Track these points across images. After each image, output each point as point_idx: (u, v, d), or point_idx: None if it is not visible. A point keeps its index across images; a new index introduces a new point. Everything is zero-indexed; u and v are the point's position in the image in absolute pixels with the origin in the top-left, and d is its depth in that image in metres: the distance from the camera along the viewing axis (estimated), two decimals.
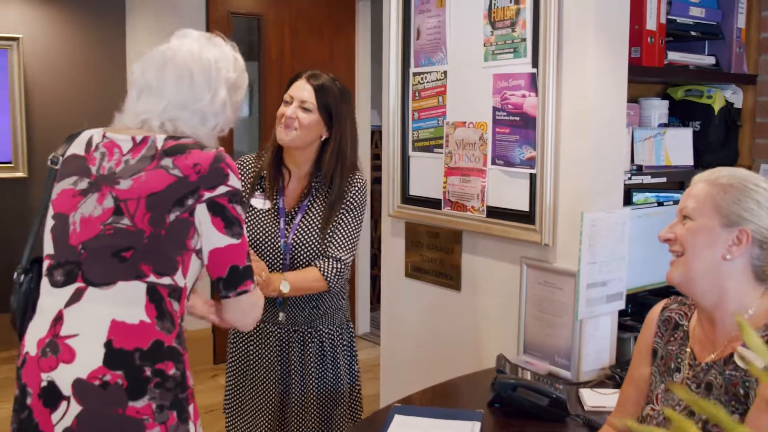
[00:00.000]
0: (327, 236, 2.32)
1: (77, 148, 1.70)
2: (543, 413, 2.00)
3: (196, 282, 1.70)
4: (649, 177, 2.59)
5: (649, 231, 2.42)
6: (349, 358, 2.48)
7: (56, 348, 1.55)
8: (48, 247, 1.65)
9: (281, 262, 2.32)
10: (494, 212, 2.55)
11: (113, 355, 1.53)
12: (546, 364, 2.38)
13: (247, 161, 2.45)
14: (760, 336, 1.44)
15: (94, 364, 1.53)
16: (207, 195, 1.59)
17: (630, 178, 2.51)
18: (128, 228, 1.56)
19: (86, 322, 1.56)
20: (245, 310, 1.72)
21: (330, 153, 2.34)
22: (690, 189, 1.53)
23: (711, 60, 2.83)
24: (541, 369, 2.36)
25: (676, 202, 1.57)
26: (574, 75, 2.29)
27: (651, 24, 2.51)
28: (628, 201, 2.66)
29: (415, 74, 2.85)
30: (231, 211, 1.62)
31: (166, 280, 1.58)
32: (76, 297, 1.57)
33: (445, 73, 2.71)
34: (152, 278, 1.57)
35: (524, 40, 2.39)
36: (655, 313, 1.70)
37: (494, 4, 2.49)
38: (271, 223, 2.34)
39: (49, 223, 1.66)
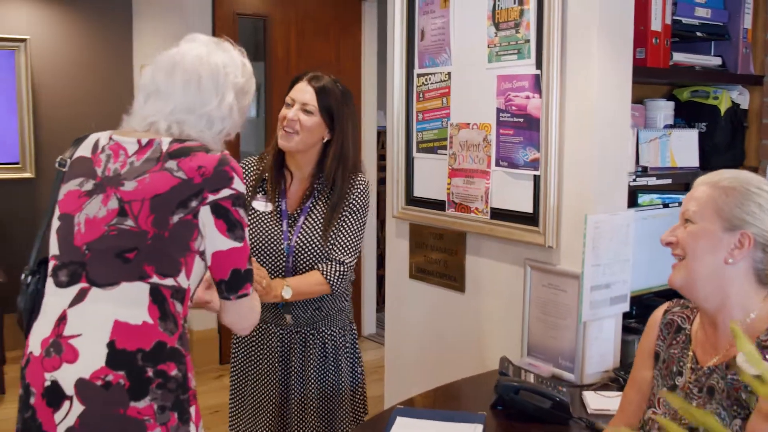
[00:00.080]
0: (329, 239, 2.32)
1: (84, 150, 1.71)
2: (546, 416, 1.99)
3: (199, 284, 1.70)
4: (654, 178, 2.57)
5: (654, 233, 2.40)
6: (351, 359, 2.48)
7: (60, 348, 1.56)
8: (53, 248, 1.66)
9: (284, 264, 2.32)
10: (498, 214, 2.54)
11: (116, 356, 1.54)
12: (550, 367, 2.38)
13: (249, 163, 2.45)
14: (762, 340, 1.43)
15: (96, 364, 1.53)
16: (211, 198, 1.59)
17: (635, 180, 2.50)
18: (132, 229, 1.57)
19: (89, 322, 1.56)
20: (244, 314, 1.74)
21: (332, 155, 2.34)
22: (692, 192, 1.52)
23: (717, 61, 2.81)
24: (545, 371, 2.35)
25: (681, 204, 1.56)
26: (578, 76, 2.28)
27: (656, 25, 2.50)
28: (633, 203, 2.65)
29: (419, 75, 2.84)
30: (234, 214, 1.62)
31: (169, 282, 1.59)
32: (79, 297, 1.58)
33: (449, 74, 2.70)
34: (155, 279, 1.57)
35: (528, 41, 2.38)
36: (657, 316, 1.69)
37: (498, 5, 2.48)
38: (273, 226, 2.34)
39: (55, 223, 1.67)
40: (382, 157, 5.71)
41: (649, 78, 2.61)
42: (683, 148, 2.69)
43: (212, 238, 1.61)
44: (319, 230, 2.32)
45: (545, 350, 2.41)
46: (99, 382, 1.53)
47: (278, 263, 2.32)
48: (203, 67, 1.69)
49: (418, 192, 2.90)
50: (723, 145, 2.84)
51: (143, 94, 1.72)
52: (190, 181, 1.59)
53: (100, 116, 5.13)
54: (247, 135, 5.39)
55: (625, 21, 2.29)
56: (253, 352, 2.45)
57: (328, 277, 2.28)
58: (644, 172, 2.57)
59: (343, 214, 2.34)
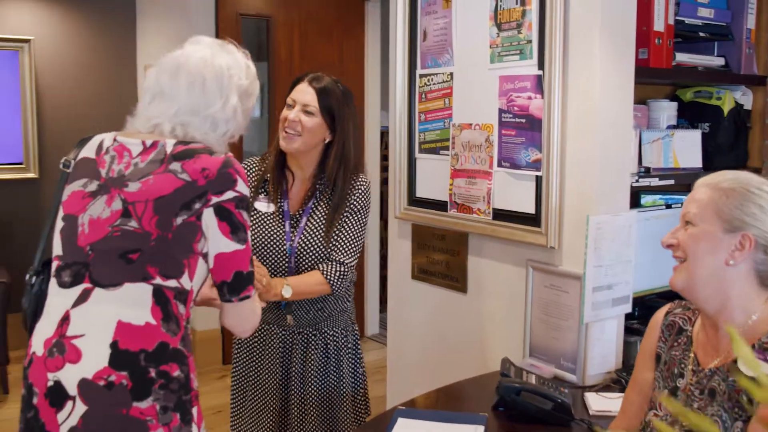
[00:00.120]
0: (331, 240, 2.31)
1: (88, 151, 1.72)
2: (547, 417, 1.99)
3: (202, 285, 1.70)
4: (657, 179, 2.57)
5: (657, 233, 2.38)
6: (353, 360, 2.48)
7: (63, 348, 1.56)
8: (57, 248, 1.66)
9: (286, 265, 2.32)
10: (500, 214, 2.54)
11: (119, 356, 1.54)
12: (552, 368, 2.37)
13: (251, 164, 2.45)
14: (764, 342, 1.42)
15: (99, 365, 1.54)
16: (214, 200, 1.60)
17: (637, 181, 2.49)
18: (135, 230, 1.58)
19: (93, 322, 1.57)
20: (245, 316, 1.74)
21: (333, 156, 2.34)
22: (692, 194, 1.52)
23: (720, 61, 2.81)
24: (547, 372, 2.34)
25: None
26: (580, 77, 2.27)
27: (659, 25, 2.49)
28: (636, 203, 2.64)
29: (421, 76, 2.84)
30: (237, 216, 1.63)
31: (172, 283, 1.59)
32: (83, 297, 1.58)
33: (451, 74, 2.70)
34: (158, 280, 1.58)
35: (530, 41, 2.37)
36: (658, 317, 1.68)
37: (500, 6, 2.48)
38: (276, 227, 2.34)
39: (59, 224, 1.67)
40: (385, 158, 5.71)
41: (652, 78, 2.61)
42: (686, 148, 2.69)
43: (215, 240, 1.62)
44: (321, 231, 2.32)
45: (547, 351, 2.41)
46: (102, 383, 1.53)
47: (280, 264, 2.32)
48: (207, 69, 1.69)
49: (421, 193, 2.90)
50: (726, 146, 2.83)
51: (148, 95, 1.73)
52: (194, 183, 1.59)
53: (103, 116, 5.14)
54: (250, 135, 5.39)
55: (627, 21, 2.29)
56: (254, 353, 2.45)
57: (329, 277, 2.28)
58: (647, 172, 2.57)
59: (344, 214, 2.34)
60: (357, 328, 2.53)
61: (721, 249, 1.45)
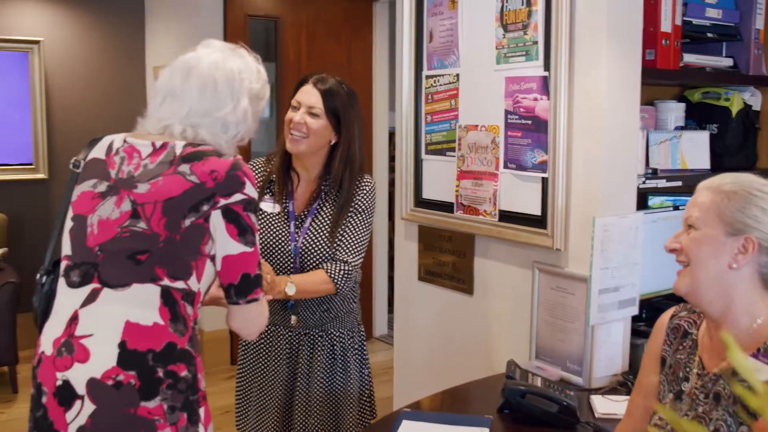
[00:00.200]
0: (335, 239, 2.32)
1: (98, 152, 1.72)
2: (553, 420, 1.98)
3: (210, 287, 1.71)
4: (665, 181, 2.55)
5: (664, 235, 2.36)
6: (359, 361, 2.48)
7: (71, 348, 1.57)
8: (66, 248, 1.67)
9: (291, 265, 2.32)
10: (506, 216, 2.53)
11: (127, 356, 1.55)
12: (558, 370, 2.36)
13: (257, 165, 2.46)
14: None
15: (108, 364, 1.54)
16: (222, 202, 1.60)
17: (644, 182, 2.48)
18: (144, 231, 1.58)
19: (101, 322, 1.58)
20: (252, 319, 1.74)
21: (339, 157, 2.34)
22: (694, 197, 1.51)
23: (728, 62, 2.79)
24: (553, 375, 2.34)
25: None
26: (586, 78, 2.26)
27: (666, 26, 2.48)
28: (643, 205, 2.63)
29: (427, 77, 2.84)
30: (245, 219, 1.63)
31: (180, 284, 1.60)
32: (91, 298, 1.59)
33: (457, 75, 2.70)
34: (166, 282, 1.58)
35: (536, 42, 2.37)
36: (664, 320, 1.67)
37: (506, 7, 2.47)
38: (281, 227, 2.34)
39: (68, 224, 1.68)
40: (393, 159, 5.70)
41: (659, 79, 2.60)
42: (694, 150, 2.67)
43: (223, 243, 1.62)
44: (326, 231, 2.32)
45: (553, 353, 2.40)
46: (110, 382, 1.54)
47: (285, 264, 2.32)
48: (219, 72, 1.71)
49: (427, 194, 2.89)
50: (735, 147, 2.82)
51: (159, 96, 1.74)
52: (203, 185, 1.60)
53: (112, 117, 5.17)
54: (258, 136, 5.40)
55: (633, 22, 2.28)
56: (261, 354, 2.46)
57: (333, 276, 2.28)
58: (654, 174, 2.55)
59: (349, 215, 2.34)
60: (363, 330, 2.53)
61: (723, 252, 1.44)
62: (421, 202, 2.92)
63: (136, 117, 1.77)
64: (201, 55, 1.74)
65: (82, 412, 1.54)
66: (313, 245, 2.31)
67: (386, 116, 5.56)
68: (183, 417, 1.58)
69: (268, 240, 2.33)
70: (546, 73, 2.34)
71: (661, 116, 2.72)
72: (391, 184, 5.41)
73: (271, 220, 2.36)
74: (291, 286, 2.21)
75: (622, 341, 2.37)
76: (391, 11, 5.44)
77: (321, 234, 2.32)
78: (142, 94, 5.36)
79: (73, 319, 1.59)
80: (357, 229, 2.34)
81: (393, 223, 5.61)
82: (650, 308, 2.52)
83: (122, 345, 1.55)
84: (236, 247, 1.63)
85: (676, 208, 2.62)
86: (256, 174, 2.43)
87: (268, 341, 2.44)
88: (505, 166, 2.52)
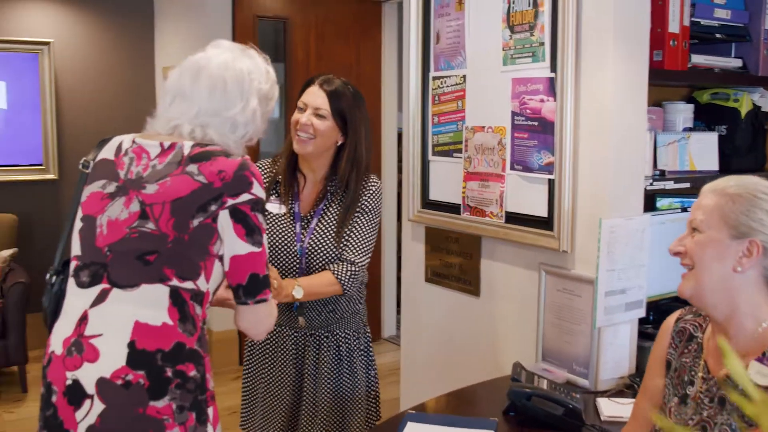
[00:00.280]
0: (342, 240, 2.32)
1: (108, 152, 1.73)
2: (558, 423, 1.97)
3: (218, 287, 1.71)
4: (672, 182, 2.54)
5: (672, 237, 2.34)
6: (365, 362, 2.48)
7: (81, 347, 1.58)
8: (75, 249, 1.68)
9: (297, 266, 2.32)
10: (513, 218, 2.53)
11: (136, 356, 1.56)
12: (564, 372, 2.35)
13: (263, 166, 2.46)
14: None
15: (117, 364, 1.55)
16: (230, 202, 1.61)
17: (651, 184, 2.47)
18: (153, 232, 1.59)
19: (110, 322, 1.58)
20: (260, 319, 1.74)
21: (346, 158, 2.34)
22: (699, 200, 1.50)
23: (738, 62, 2.77)
24: (559, 377, 2.33)
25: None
26: (592, 79, 2.25)
27: (674, 27, 2.46)
28: (651, 206, 2.62)
29: (434, 78, 2.83)
30: (253, 219, 1.64)
31: (188, 285, 1.60)
32: (101, 298, 1.60)
33: (464, 77, 2.69)
34: (175, 282, 1.59)
35: (543, 44, 2.36)
36: (669, 323, 1.66)
37: (513, 8, 2.46)
38: (287, 228, 2.34)
39: (78, 225, 1.69)
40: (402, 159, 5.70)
41: (667, 80, 2.58)
42: (702, 151, 2.66)
43: (230, 243, 1.63)
44: (332, 232, 2.32)
45: (560, 355, 2.39)
46: (119, 382, 1.55)
47: (291, 265, 2.33)
48: (229, 73, 1.71)
49: (434, 195, 2.89)
50: (744, 148, 2.80)
51: (168, 97, 1.74)
52: (210, 185, 1.60)
53: (122, 118, 5.19)
54: (267, 136, 5.41)
55: (640, 24, 2.27)
56: (267, 354, 2.46)
57: (339, 277, 2.28)
58: (662, 175, 2.54)
59: (355, 215, 2.34)
60: (369, 331, 2.53)
61: (728, 256, 1.43)
62: (428, 204, 2.91)
63: (145, 117, 1.78)
64: (211, 55, 1.74)
65: (91, 411, 1.55)
66: (320, 246, 2.31)
67: (395, 117, 5.56)
68: (192, 417, 1.59)
69: (274, 241, 2.34)
70: (552, 75, 2.33)
71: (669, 117, 2.70)
72: (400, 184, 5.39)
73: (277, 221, 2.36)
74: (299, 289, 2.21)
75: (628, 344, 2.36)
76: (399, 12, 5.43)
77: (327, 234, 2.32)
78: (151, 94, 5.38)
79: (83, 319, 1.59)
80: (363, 230, 2.34)
81: (401, 223, 5.64)
82: (658, 310, 2.51)
83: (131, 345, 1.56)
84: (244, 247, 1.63)
85: (684, 209, 2.60)
86: (262, 175, 2.44)
87: (274, 342, 2.44)
88: (512, 168, 2.51)
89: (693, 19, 2.56)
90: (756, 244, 1.41)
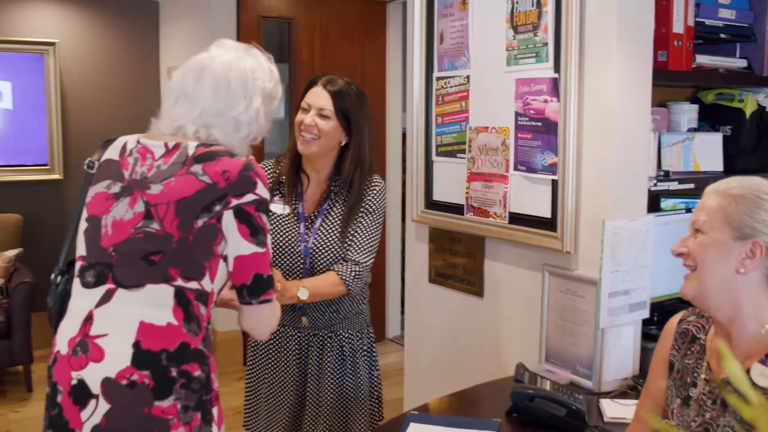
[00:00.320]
0: (346, 240, 2.32)
1: (112, 153, 1.73)
2: (561, 424, 1.97)
3: (223, 287, 1.71)
4: (677, 183, 2.53)
5: (676, 238, 2.34)
6: (369, 362, 2.48)
7: (86, 347, 1.58)
8: (80, 249, 1.69)
9: (301, 266, 2.32)
10: (516, 218, 2.52)
11: (141, 356, 1.56)
12: (568, 373, 2.35)
13: (266, 167, 2.46)
14: None
15: (122, 364, 1.56)
16: (234, 202, 1.61)
17: (656, 185, 2.46)
18: (157, 232, 1.59)
19: (115, 322, 1.59)
20: (264, 319, 1.74)
21: (350, 158, 2.34)
22: (702, 201, 1.49)
23: (742, 63, 2.76)
24: (563, 378, 2.32)
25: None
26: (596, 80, 2.25)
27: (678, 27, 2.45)
28: (656, 207, 2.61)
29: (438, 78, 2.83)
30: (257, 219, 1.64)
31: (193, 285, 1.60)
32: (106, 298, 1.60)
33: (467, 77, 2.69)
34: (180, 282, 1.59)
35: (546, 44, 2.35)
36: (672, 324, 1.66)
37: (516, 8, 2.46)
38: (290, 228, 2.35)
39: (83, 225, 1.69)
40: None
41: (671, 81, 2.58)
42: (707, 151, 2.65)
43: (235, 243, 1.63)
44: (336, 232, 2.32)
45: (563, 356, 2.38)
46: (124, 382, 1.55)
47: (295, 265, 2.33)
48: (232, 72, 1.71)
49: (438, 196, 2.89)
50: (748, 149, 2.79)
51: (172, 97, 1.74)
52: (215, 186, 1.60)
53: (127, 118, 5.20)
54: (272, 136, 5.40)
55: (643, 24, 2.26)
56: (270, 355, 2.46)
57: (344, 278, 2.28)
58: (666, 176, 2.53)
59: (359, 215, 2.34)
60: (372, 331, 2.52)
61: (731, 257, 1.42)
62: (431, 204, 2.91)
63: (150, 118, 1.78)
64: (214, 55, 1.74)
65: (96, 411, 1.55)
66: (324, 245, 2.31)
67: (399, 117, 5.56)
68: (196, 417, 1.59)
69: (278, 241, 2.34)
70: (556, 75, 2.33)
71: (673, 118, 2.70)
72: (405, 185, 5.40)
73: (280, 221, 2.36)
74: (304, 290, 2.21)
75: (632, 345, 2.35)
76: (404, 12, 5.38)
77: (332, 234, 2.32)
78: (156, 94, 5.39)
79: (88, 319, 1.60)
80: (368, 230, 2.34)
81: (406, 224, 5.63)
82: (662, 311, 2.49)
83: (136, 345, 1.56)
84: (248, 248, 1.63)
85: (688, 210, 2.60)
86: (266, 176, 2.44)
87: (277, 342, 2.44)
88: (515, 168, 2.51)
89: (697, 19, 2.56)
90: (759, 245, 1.41)
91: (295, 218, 2.36)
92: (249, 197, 1.62)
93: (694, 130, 2.71)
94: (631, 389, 2.26)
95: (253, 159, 1.68)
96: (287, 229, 2.35)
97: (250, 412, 2.52)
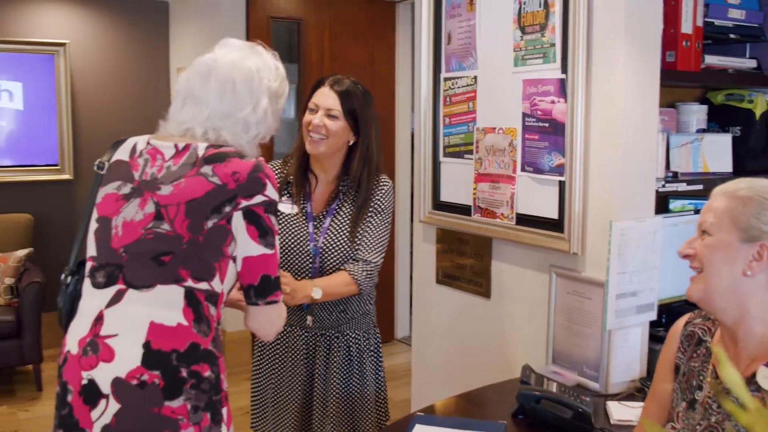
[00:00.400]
0: (356, 240, 2.32)
1: (122, 154, 1.74)
2: (567, 426, 1.96)
3: (232, 288, 1.72)
4: (685, 184, 2.52)
5: (685, 239, 2.34)
6: (375, 363, 2.48)
7: (96, 347, 1.59)
8: (91, 249, 1.69)
9: (310, 265, 2.33)
10: (523, 219, 2.52)
11: (151, 356, 1.57)
12: (574, 375, 2.34)
13: (274, 167, 2.47)
14: None
15: (132, 364, 1.56)
16: (244, 203, 1.61)
17: (664, 186, 2.44)
18: (168, 233, 1.60)
19: (126, 323, 1.59)
20: (270, 320, 1.75)
21: (358, 158, 2.34)
22: (709, 202, 1.48)
23: (752, 63, 2.74)
24: (570, 380, 2.31)
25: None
26: (603, 81, 2.24)
27: (686, 27, 2.44)
28: (664, 208, 2.60)
29: (446, 79, 2.83)
30: (266, 221, 1.64)
31: (203, 285, 1.61)
32: (116, 298, 1.61)
33: (475, 78, 2.68)
34: (190, 283, 1.60)
35: (553, 45, 2.35)
36: (678, 327, 1.65)
37: (524, 9, 2.45)
38: (299, 228, 2.35)
39: (93, 226, 1.70)
40: None
41: (679, 81, 2.56)
42: (716, 152, 2.63)
43: (243, 244, 1.63)
44: (345, 231, 2.33)
45: (570, 358, 2.38)
46: (135, 382, 1.56)
47: (305, 265, 2.33)
48: (237, 73, 1.71)
49: (445, 197, 2.88)
50: (758, 150, 2.78)
51: (179, 99, 1.75)
52: (224, 187, 1.61)
53: (137, 119, 5.22)
54: (281, 136, 5.41)
55: (651, 24, 2.25)
56: (277, 355, 2.47)
57: (356, 277, 2.28)
58: (675, 177, 2.52)
59: (368, 214, 2.34)
60: (378, 332, 2.53)
61: (738, 259, 1.41)
62: (438, 205, 2.91)
63: (159, 120, 1.79)
64: (218, 56, 1.74)
65: (107, 411, 1.56)
66: (334, 245, 2.32)
67: (408, 118, 5.55)
68: (206, 417, 1.60)
69: (287, 241, 2.34)
70: (563, 76, 2.32)
71: (682, 119, 2.68)
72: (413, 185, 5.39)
73: (289, 221, 2.37)
74: (317, 290, 2.22)
75: (640, 347, 2.34)
76: (413, 13, 5.41)
77: (341, 233, 2.33)
78: (166, 95, 5.41)
79: (99, 319, 1.61)
80: (377, 229, 2.35)
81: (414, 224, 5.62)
82: (670, 313, 2.48)
83: (147, 345, 1.57)
84: (256, 249, 1.64)
85: (697, 211, 2.57)
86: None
87: (284, 342, 2.45)
88: (523, 169, 2.50)
89: (706, 19, 2.54)
90: (766, 247, 1.39)
91: (304, 218, 2.37)
92: (258, 198, 1.63)
93: (703, 130, 2.69)
94: (638, 391, 2.25)
95: (263, 160, 1.69)
96: (296, 229, 2.35)
97: (258, 412, 2.53)
